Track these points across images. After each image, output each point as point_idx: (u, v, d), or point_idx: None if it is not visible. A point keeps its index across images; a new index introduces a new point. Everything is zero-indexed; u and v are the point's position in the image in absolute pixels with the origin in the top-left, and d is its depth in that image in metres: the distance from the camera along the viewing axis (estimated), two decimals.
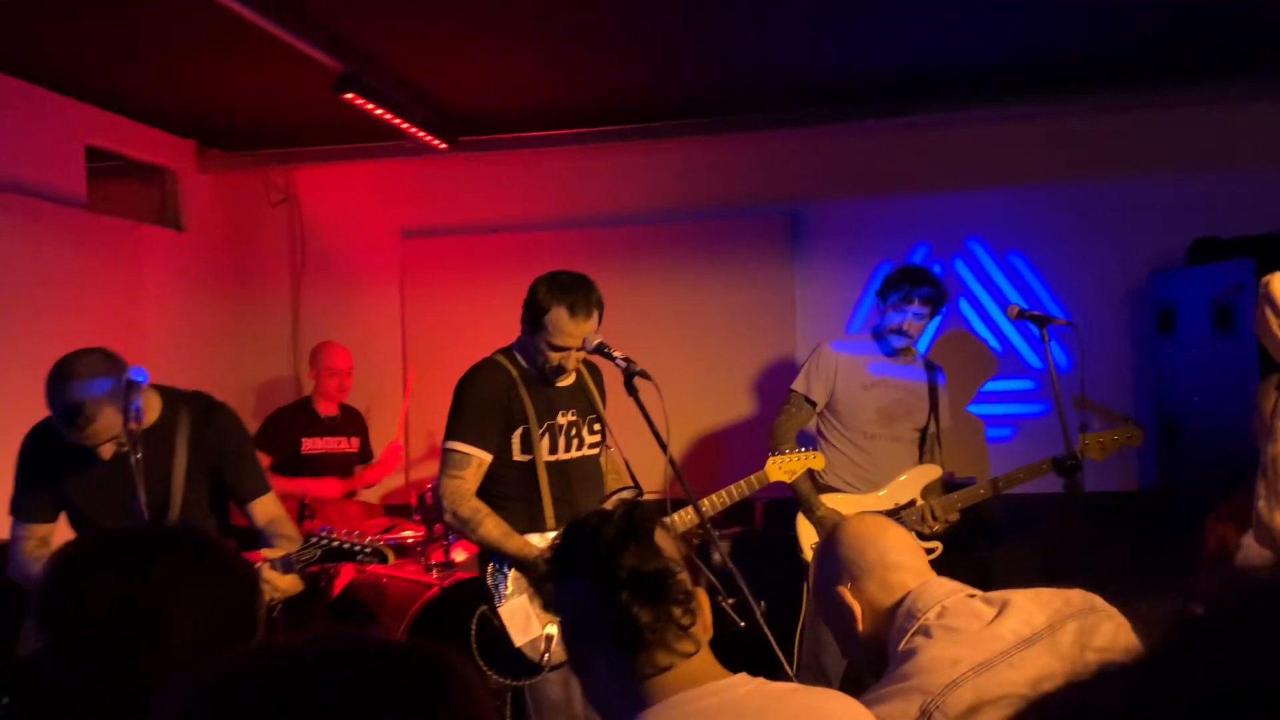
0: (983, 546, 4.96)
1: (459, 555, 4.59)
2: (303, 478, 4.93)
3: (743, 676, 1.57)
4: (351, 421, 5.30)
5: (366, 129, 5.02)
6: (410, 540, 4.71)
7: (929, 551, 3.88)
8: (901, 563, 1.88)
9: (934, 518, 3.82)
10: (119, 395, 2.64)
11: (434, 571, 4.45)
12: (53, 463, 2.86)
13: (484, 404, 3.11)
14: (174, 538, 1.43)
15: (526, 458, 3.16)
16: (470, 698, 0.74)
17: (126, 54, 4.29)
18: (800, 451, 3.64)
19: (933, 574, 1.89)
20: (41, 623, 1.32)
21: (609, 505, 3.12)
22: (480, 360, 3.23)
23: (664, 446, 2.85)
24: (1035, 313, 3.71)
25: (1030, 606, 1.76)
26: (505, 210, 5.81)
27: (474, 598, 3.26)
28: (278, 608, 3.02)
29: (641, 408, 2.96)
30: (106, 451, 2.72)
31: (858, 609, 1.85)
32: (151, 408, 2.87)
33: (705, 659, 1.56)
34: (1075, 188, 5.30)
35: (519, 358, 3.22)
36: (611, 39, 4.28)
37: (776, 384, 4.95)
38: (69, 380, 2.66)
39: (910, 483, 3.92)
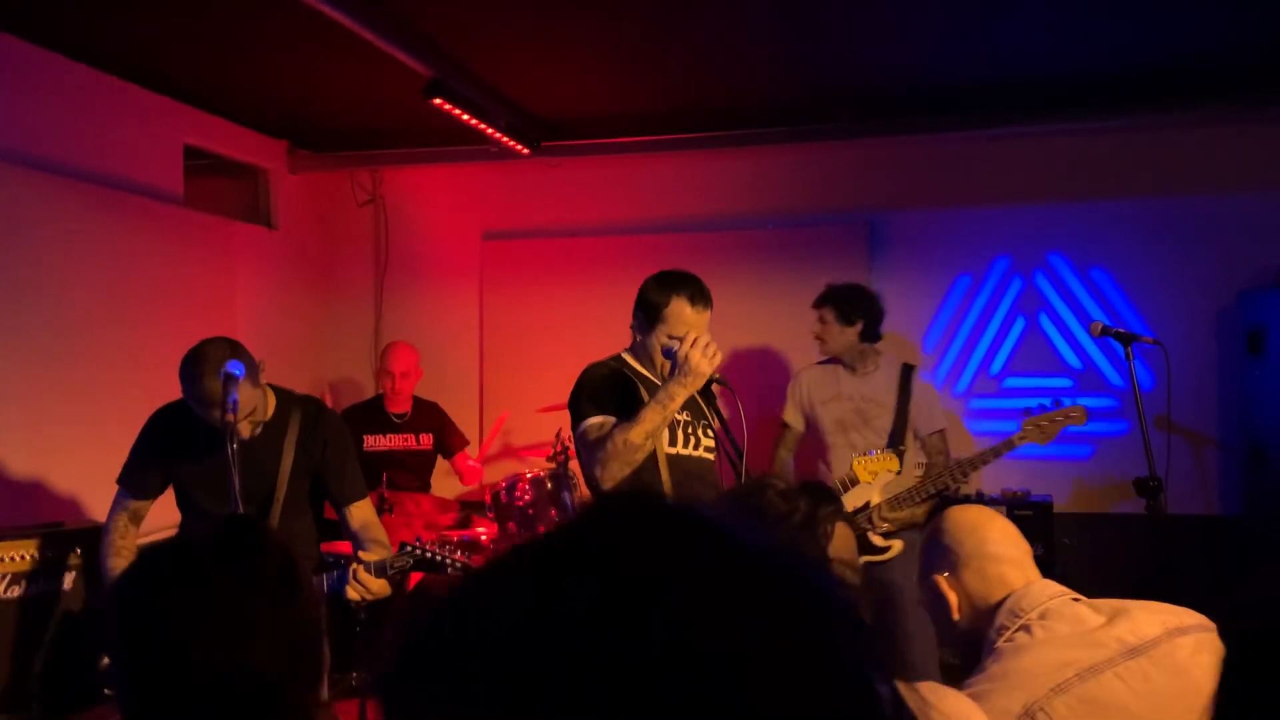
0: (1057, 566, 4.89)
1: None
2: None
3: None
4: (424, 418, 5.23)
5: (452, 133, 5.12)
6: (483, 537, 4.80)
7: (884, 549, 3.89)
8: (1001, 554, 1.86)
9: (881, 518, 3.86)
10: (243, 379, 2.77)
11: None
12: (171, 441, 3.02)
13: (604, 384, 3.10)
14: (207, 558, 1.38)
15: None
16: None
17: (224, 57, 4.44)
18: (882, 453, 3.67)
19: (1037, 573, 1.88)
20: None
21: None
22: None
23: (741, 454, 2.86)
24: (1120, 330, 3.63)
25: (1142, 618, 1.73)
26: (584, 214, 5.88)
27: None
28: (362, 611, 3.11)
29: (719, 415, 2.97)
30: (214, 418, 2.81)
31: (953, 598, 1.85)
32: (267, 405, 3.02)
33: None
34: (1163, 203, 5.20)
35: (629, 360, 3.20)
36: (691, 48, 4.31)
37: None
38: (198, 358, 2.80)
39: (866, 488, 3.86)
